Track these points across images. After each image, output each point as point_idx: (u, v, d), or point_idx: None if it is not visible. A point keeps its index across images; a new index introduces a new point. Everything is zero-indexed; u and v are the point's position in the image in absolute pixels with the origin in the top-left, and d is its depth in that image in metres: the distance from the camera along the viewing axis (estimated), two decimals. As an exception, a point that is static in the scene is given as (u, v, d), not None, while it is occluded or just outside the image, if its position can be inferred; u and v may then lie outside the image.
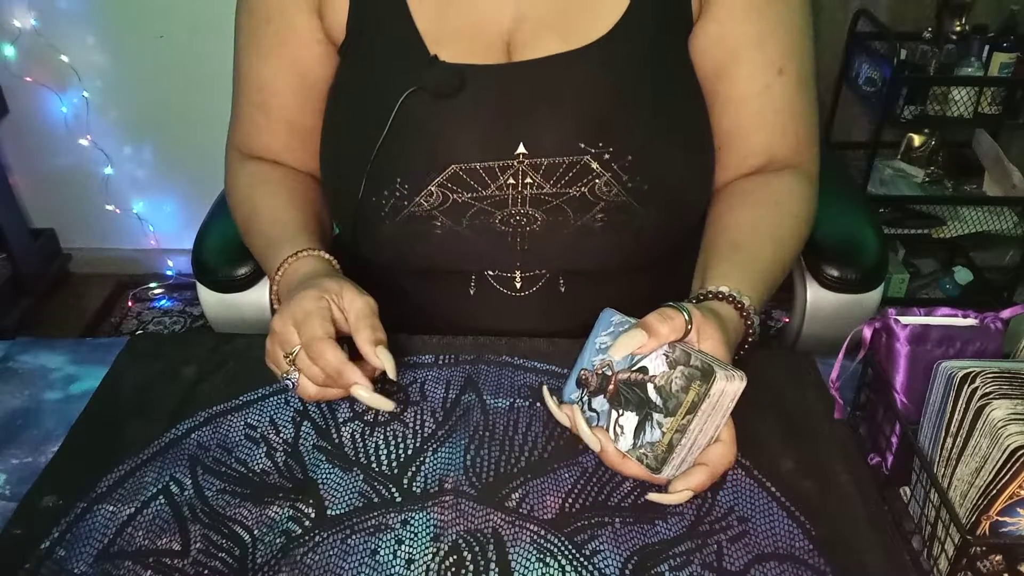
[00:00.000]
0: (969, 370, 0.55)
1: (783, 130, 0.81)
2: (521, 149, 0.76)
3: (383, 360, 0.65)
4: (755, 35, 0.78)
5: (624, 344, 0.61)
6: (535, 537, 0.60)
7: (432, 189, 0.77)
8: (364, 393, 0.65)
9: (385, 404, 0.65)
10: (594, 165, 0.76)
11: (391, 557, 0.58)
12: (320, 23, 0.81)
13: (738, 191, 0.82)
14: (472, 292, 0.84)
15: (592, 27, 0.76)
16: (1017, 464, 0.50)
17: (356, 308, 0.68)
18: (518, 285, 0.84)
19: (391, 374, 0.65)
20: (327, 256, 0.77)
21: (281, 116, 0.86)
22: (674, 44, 0.79)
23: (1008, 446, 0.50)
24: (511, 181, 0.77)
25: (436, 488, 0.64)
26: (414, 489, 0.64)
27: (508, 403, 0.71)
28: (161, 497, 0.63)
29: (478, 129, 0.76)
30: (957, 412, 0.55)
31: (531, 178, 0.77)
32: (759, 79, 0.79)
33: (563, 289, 0.84)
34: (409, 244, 0.81)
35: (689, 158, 0.81)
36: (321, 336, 0.65)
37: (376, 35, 0.79)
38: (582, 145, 0.75)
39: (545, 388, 0.68)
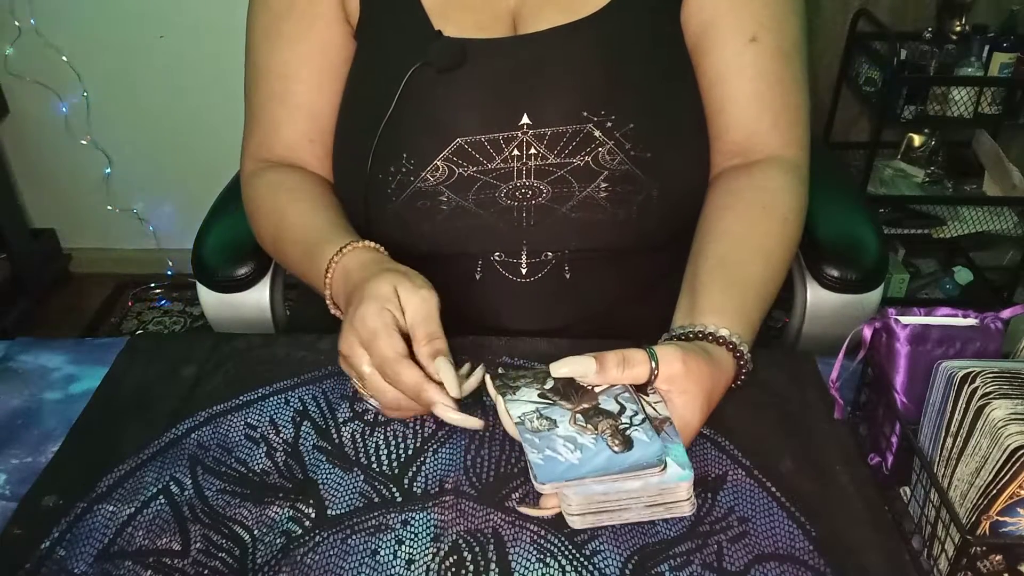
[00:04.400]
0: (969, 370, 0.55)
1: (758, 102, 0.80)
2: (525, 119, 0.77)
3: (442, 374, 0.61)
4: (729, 4, 0.79)
5: (568, 364, 0.60)
6: (535, 537, 0.60)
7: (438, 163, 0.78)
8: (453, 415, 0.61)
9: (474, 424, 0.61)
10: (596, 133, 0.77)
11: (391, 557, 0.58)
12: (341, 3, 0.83)
13: (727, 191, 0.81)
14: (478, 277, 0.85)
15: None
16: (1017, 464, 0.50)
17: (411, 310, 0.64)
18: (524, 271, 0.84)
19: (452, 391, 0.61)
20: (372, 244, 0.73)
21: (303, 103, 0.85)
22: (669, 17, 0.81)
23: (1008, 446, 0.50)
24: (515, 153, 0.78)
25: (436, 488, 0.63)
26: (414, 489, 0.63)
27: (508, 403, 0.71)
28: (161, 497, 0.63)
29: (482, 102, 0.78)
30: (957, 412, 0.55)
31: (535, 148, 0.78)
32: (730, 46, 0.80)
33: (568, 276, 0.84)
34: (416, 222, 0.82)
35: (688, 130, 0.82)
36: (392, 357, 0.61)
37: (385, 13, 0.82)
38: (585, 114, 0.77)
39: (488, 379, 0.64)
